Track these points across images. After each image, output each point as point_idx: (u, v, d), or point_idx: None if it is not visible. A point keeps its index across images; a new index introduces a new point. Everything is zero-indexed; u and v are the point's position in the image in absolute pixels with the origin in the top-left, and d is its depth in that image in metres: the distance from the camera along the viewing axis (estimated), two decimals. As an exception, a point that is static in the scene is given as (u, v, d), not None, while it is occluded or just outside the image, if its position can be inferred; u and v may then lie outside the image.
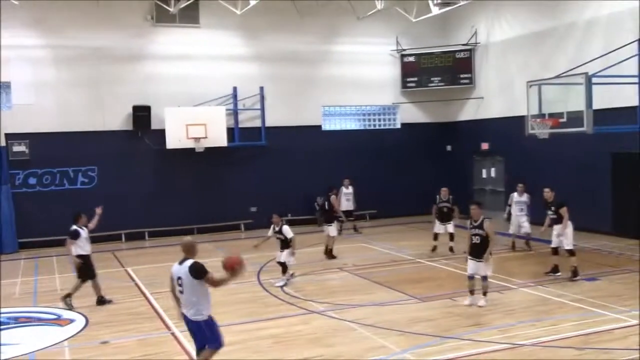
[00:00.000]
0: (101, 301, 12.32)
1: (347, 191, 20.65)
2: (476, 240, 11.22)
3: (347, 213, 20.42)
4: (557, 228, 13.33)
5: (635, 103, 16.75)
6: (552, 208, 13.47)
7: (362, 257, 16.53)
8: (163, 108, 20.44)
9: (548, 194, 13.73)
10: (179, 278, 7.48)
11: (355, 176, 22.10)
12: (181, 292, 7.52)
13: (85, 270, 12.32)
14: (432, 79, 23.87)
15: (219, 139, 20.91)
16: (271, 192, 21.67)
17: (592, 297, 11.57)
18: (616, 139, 17.02)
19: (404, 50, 23.95)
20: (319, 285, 13.47)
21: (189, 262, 7.46)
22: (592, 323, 10.02)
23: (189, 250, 7.60)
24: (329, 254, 16.61)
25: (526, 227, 16.41)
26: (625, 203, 17.51)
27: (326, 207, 17.21)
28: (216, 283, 7.43)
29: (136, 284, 14.02)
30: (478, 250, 11.22)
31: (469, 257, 11.37)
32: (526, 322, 10.24)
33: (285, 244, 13.50)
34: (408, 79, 24.15)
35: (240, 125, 22.02)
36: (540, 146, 18.31)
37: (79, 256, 12.26)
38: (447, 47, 23.78)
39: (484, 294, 11.25)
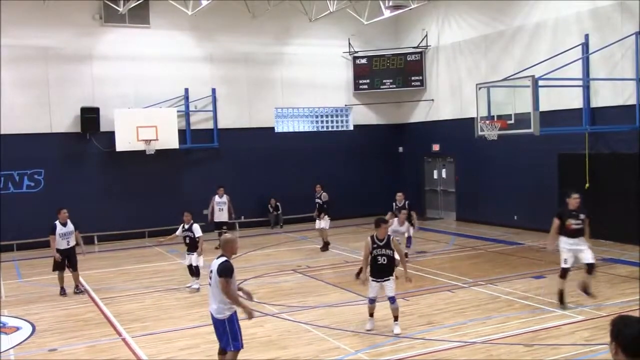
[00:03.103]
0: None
1: (219, 200, 18.61)
2: (382, 260, 9.79)
3: (219, 224, 18.48)
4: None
5: (580, 105, 17.35)
6: None
7: (315, 259, 16.55)
8: (112, 110, 20.05)
9: None
10: (211, 272, 7.60)
11: (308, 178, 22.16)
12: (210, 285, 7.63)
13: (60, 263, 13.16)
14: (383, 81, 24.10)
15: (170, 141, 20.63)
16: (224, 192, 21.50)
17: (540, 295, 11.85)
18: (562, 140, 17.52)
19: (356, 52, 24.11)
20: (272, 288, 13.42)
21: (221, 259, 7.56)
22: (540, 320, 10.24)
23: (224, 247, 7.72)
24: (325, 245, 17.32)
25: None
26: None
27: (322, 201, 17.44)
28: (227, 290, 7.42)
29: (85, 290, 13.70)
30: (383, 271, 9.87)
31: (372, 279, 9.89)
32: (477, 320, 10.41)
33: (194, 244, 13.39)
34: (360, 81, 24.32)
35: (192, 127, 21.78)
36: (489, 147, 18.68)
37: (57, 250, 13.09)
38: (399, 50, 24.05)
39: (396, 318, 9.94)
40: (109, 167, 20.59)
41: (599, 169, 16.93)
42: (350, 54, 24.16)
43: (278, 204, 22.70)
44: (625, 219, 16.17)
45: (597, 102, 17.10)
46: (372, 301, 10.06)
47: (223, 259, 7.55)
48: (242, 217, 21.45)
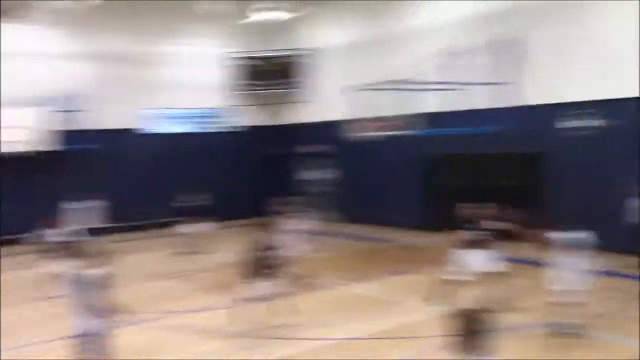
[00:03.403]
0: None
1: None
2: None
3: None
4: None
5: (455, 107, 18.10)
6: None
7: (191, 263, 16.17)
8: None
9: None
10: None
11: (187, 180, 21.67)
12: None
13: None
14: (263, 82, 24.04)
15: (40, 142, 19.49)
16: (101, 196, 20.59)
17: (405, 291, 12.28)
18: (438, 141, 18.17)
19: (236, 53, 23.88)
20: (145, 294, 12.94)
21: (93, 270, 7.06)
22: (403, 314, 10.66)
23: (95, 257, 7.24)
24: None
25: None
26: (445, 200, 18.75)
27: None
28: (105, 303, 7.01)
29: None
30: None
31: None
32: (343, 318, 10.60)
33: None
34: (240, 82, 24.11)
35: (64, 128, 20.62)
36: (370, 148, 19.07)
37: None
38: (279, 52, 24.06)
39: None
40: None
41: (474, 168, 17.75)
42: (230, 55, 23.88)
43: (163, 207, 21.89)
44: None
45: (471, 104, 17.81)
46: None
47: (94, 269, 7.14)
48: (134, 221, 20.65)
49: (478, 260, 9.79)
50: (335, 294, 12.30)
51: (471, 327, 6.17)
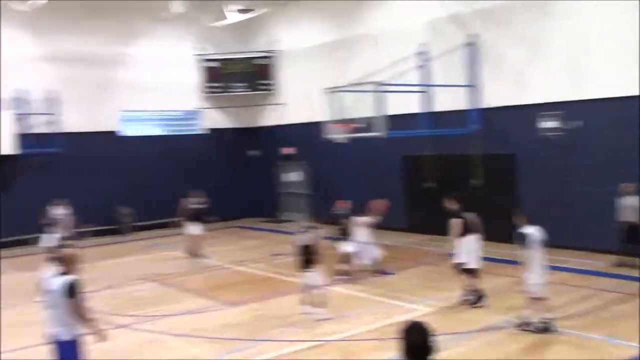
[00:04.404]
0: None
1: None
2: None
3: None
4: None
5: (422, 110, 18.43)
6: None
7: (170, 266, 16.12)
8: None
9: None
10: (50, 290, 6.77)
11: (159, 183, 21.66)
12: (48, 306, 6.80)
13: None
14: (234, 84, 24.05)
15: (5, 146, 19.13)
16: (67, 202, 20.31)
17: (391, 290, 12.43)
18: (409, 143, 18.47)
19: (206, 55, 23.83)
20: (123, 298, 12.89)
21: (64, 276, 6.76)
22: (391, 314, 10.73)
23: (68, 262, 6.88)
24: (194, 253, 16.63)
25: None
26: (417, 201, 19.07)
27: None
28: (79, 311, 6.78)
29: None
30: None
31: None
32: (333, 318, 10.67)
33: None
34: (210, 84, 24.08)
35: (30, 131, 20.33)
36: (341, 150, 19.24)
37: None
38: (249, 54, 24.11)
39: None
40: None
41: (441, 169, 18.08)
42: (199, 57, 23.83)
43: (130, 210, 21.81)
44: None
45: (437, 106, 18.20)
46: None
47: (66, 276, 6.79)
48: (89, 224, 20.34)
49: None
50: (330, 294, 12.43)
51: None
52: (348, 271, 13.49)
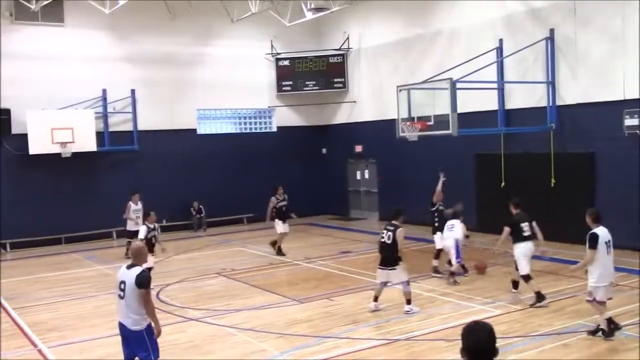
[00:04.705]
0: None
1: (136, 208, 17.51)
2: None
3: (135, 234, 15.08)
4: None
5: (495, 107, 18.00)
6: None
7: (239, 262, 16.38)
8: (25, 111, 19.21)
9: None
10: (122, 282, 7.05)
11: (232, 180, 22.08)
12: (121, 297, 7.08)
13: None
14: (306, 82, 24.20)
15: (88, 143, 19.97)
16: (144, 197, 20.98)
17: (459, 291, 12.19)
18: (479, 141, 18.09)
19: (279, 54, 24.09)
20: (195, 292, 13.19)
21: (137, 268, 7.06)
22: (460, 315, 10.52)
23: (137, 256, 7.23)
24: (278, 250, 16.78)
25: None
26: (488, 201, 18.62)
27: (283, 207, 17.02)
28: (149, 301, 7.10)
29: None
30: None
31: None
32: (399, 317, 10.58)
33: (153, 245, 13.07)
34: (283, 83, 24.33)
35: (111, 129, 21.17)
36: (410, 148, 19.04)
37: None
38: (321, 52, 24.21)
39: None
40: (22, 171, 19.69)
41: (514, 168, 17.60)
42: (272, 56, 24.12)
43: (201, 206, 22.38)
44: (538, 216, 16.79)
45: (511, 104, 17.78)
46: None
47: (139, 268, 7.07)
48: (164, 220, 20.97)
49: None
50: (395, 293, 12.34)
51: None
52: (437, 268, 13.61)
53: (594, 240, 8.87)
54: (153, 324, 7.14)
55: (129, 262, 7.24)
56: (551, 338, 9.20)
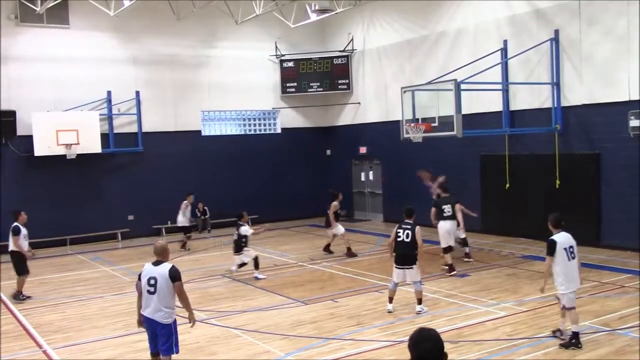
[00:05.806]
0: (17, 297, 12.97)
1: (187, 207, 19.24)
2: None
3: (187, 229, 19.15)
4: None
5: (500, 108, 17.98)
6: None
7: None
8: (30, 113, 19.27)
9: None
10: (153, 278, 7.40)
11: (236, 181, 22.09)
12: (152, 292, 7.41)
13: (21, 265, 13.08)
14: (310, 84, 24.22)
15: (93, 145, 20.01)
16: (149, 199, 21.09)
17: (464, 292, 12.17)
18: (484, 142, 18.07)
19: (283, 55, 24.11)
20: (200, 293, 13.19)
21: (166, 264, 7.52)
22: (464, 317, 10.51)
23: (163, 253, 7.65)
24: (348, 250, 16.71)
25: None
26: (493, 202, 18.59)
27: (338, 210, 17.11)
28: (184, 293, 7.59)
29: (2, 301, 13.07)
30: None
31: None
32: (405, 319, 10.58)
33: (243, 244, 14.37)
34: (287, 84, 24.34)
35: (115, 131, 21.23)
36: (415, 149, 19.04)
37: (15, 252, 13.02)
38: (325, 53, 24.22)
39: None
40: (27, 172, 19.76)
41: (518, 170, 17.57)
42: (277, 57, 24.14)
43: (206, 208, 22.41)
44: (542, 217, 16.76)
45: (515, 105, 17.75)
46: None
47: (168, 264, 7.54)
48: (169, 222, 21.01)
49: None
50: (400, 294, 12.33)
51: None
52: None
53: (551, 247, 8.71)
54: (188, 313, 7.67)
55: (154, 259, 7.64)
56: (557, 340, 9.17)
